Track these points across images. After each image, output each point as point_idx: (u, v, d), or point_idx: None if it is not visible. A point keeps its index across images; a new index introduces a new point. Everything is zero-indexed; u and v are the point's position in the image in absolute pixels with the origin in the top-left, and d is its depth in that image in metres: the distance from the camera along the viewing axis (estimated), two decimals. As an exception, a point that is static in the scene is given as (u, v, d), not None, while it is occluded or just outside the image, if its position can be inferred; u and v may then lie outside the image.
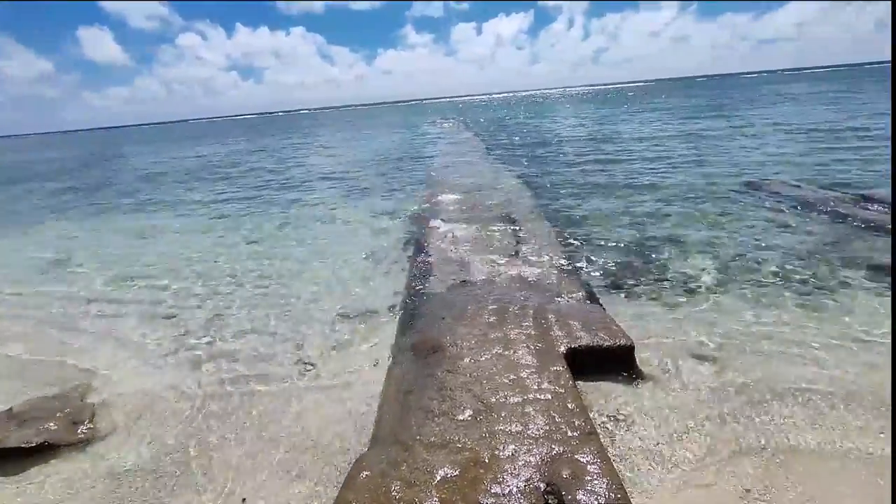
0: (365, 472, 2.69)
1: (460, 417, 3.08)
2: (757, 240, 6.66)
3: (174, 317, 5.63)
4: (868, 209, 7.38)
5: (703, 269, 5.76)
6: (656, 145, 17.27)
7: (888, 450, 2.83)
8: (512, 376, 3.46)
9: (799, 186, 9.26)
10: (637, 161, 14.10)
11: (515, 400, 3.20)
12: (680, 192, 9.75)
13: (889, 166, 10.59)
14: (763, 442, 2.95)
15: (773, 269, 5.63)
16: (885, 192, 8.24)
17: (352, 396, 3.77)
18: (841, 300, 4.80)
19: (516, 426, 2.94)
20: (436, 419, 3.09)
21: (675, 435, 3.05)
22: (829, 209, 7.72)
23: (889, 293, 4.85)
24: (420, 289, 5.38)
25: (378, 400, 3.53)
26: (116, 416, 3.76)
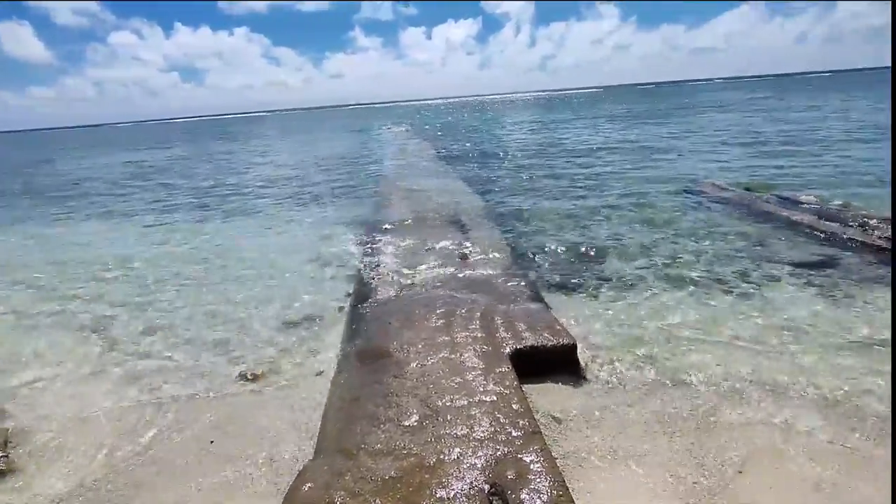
0: (308, 484, 2.61)
1: (406, 423, 3.05)
2: (692, 240, 7.01)
3: (102, 330, 5.29)
4: (792, 210, 7.91)
5: (643, 269, 5.99)
6: (600, 149, 17.88)
7: (823, 436, 3.01)
8: (458, 379, 3.47)
9: (731, 189, 9.82)
10: (582, 165, 14.54)
11: (462, 403, 3.21)
12: (622, 195, 10.13)
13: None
14: (701, 435, 3.08)
15: (706, 266, 5.94)
16: (808, 193, 8.87)
17: (295, 406, 3.66)
18: (767, 294, 5.12)
19: (462, 429, 2.95)
20: (381, 426, 3.04)
21: (616, 430, 3.14)
22: (757, 210, 8.23)
23: (810, 290, 5.21)
24: (367, 294, 5.31)
25: (322, 409, 3.44)
26: (36, 443, 3.49)
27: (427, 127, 40.73)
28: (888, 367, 3.69)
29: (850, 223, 6.89)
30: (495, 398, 3.22)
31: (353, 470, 2.68)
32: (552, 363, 3.89)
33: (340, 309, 5.29)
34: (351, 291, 5.64)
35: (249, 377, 4.13)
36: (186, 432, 3.47)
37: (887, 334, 4.16)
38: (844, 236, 6.53)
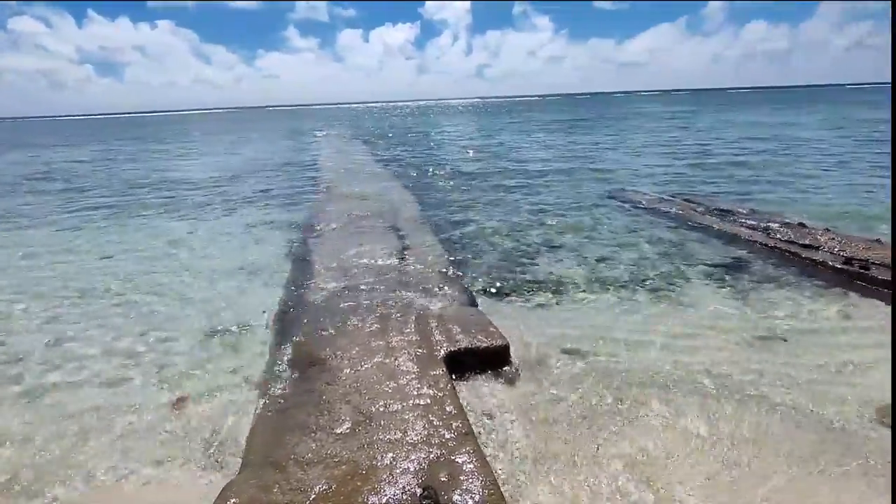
0: (232, 500, 2.50)
1: (339, 430, 2.99)
2: (617, 244, 7.38)
3: (1, 345, 4.81)
4: (707, 215, 8.52)
5: (572, 272, 6.23)
6: (533, 157, 18.45)
7: (745, 430, 3.24)
8: (393, 384, 3.45)
9: (653, 195, 10.43)
10: (516, 172, 14.92)
11: (396, 407, 3.19)
12: (554, 201, 10.50)
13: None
14: (628, 430, 3.23)
15: (630, 269, 6.27)
16: (721, 199, 9.60)
17: (222, 419, 3.49)
18: (685, 295, 5.48)
19: (396, 434, 2.93)
20: (313, 435, 2.97)
21: (546, 428, 3.24)
22: (676, 215, 8.79)
23: (721, 289, 5.63)
24: (300, 300, 5.17)
25: (250, 421, 3.31)
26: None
27: (368, 129, 40.34)
28: (790, 359, 4.05)
29: (757, 227, 7.51)
30: (429, 401, 3.23)
31: (281, 483, 2.59)
32: (486, 364, 3.96)
33: (271, 316, 5.11)
34: (282, 298, 5.46)
35: (171, 390, 3.89)
36: (100, 455, 3.22)
37: (786, 327, 4.57)
38: (751, 239, 7.11)
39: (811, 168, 13.47)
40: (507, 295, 5.60)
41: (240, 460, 2.93)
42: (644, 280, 5.91)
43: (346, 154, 22.00)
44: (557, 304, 5.32)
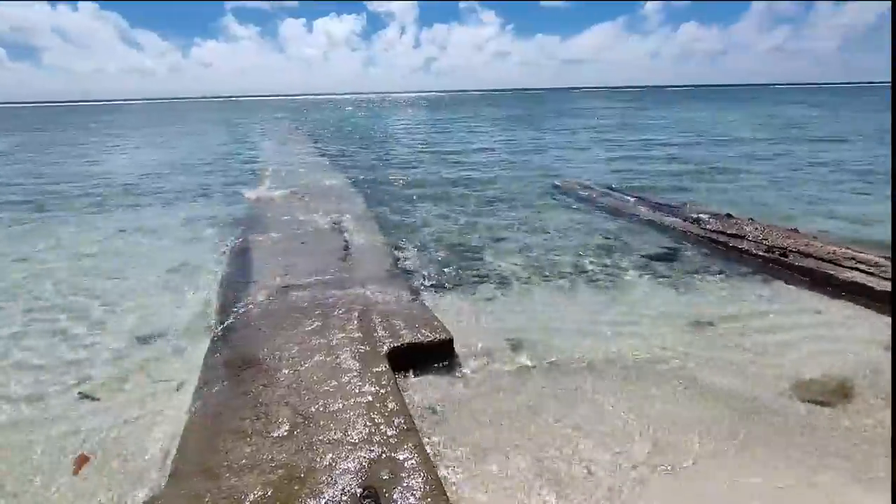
0: (158, 513, 2.36)
1: (276, 433, 2.89)
2: (560, 236, 7.55)
3: None
4: (645, 207, 8.86)
5: (516, 264, 6.32)
6: (479, 150, 18.59)
7: (675, 411, 3.38)
8: (334, 383, 3.37)
9: (595, 188, 10.74)
10: (462, 166, 14.99)
11: (336, 407, 3.12)
12: (499, 195, 10.61)
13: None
14: (567, 418, 3.30)
15: (571, 260, 6.43)
16: (658, 191, 10.01)
17: (149, 429, 3.29)
18: (622, 284, 5.67)
19: (336, 434, 2.86)
20: (248, 439, 2.85)
21: (489, 420, 3.26)
22: (617, 208, 9.09)
23: (657, 279, 5.87)
24: (237, 299, 4.95)
25: (181, 427, 3.13)
26: None
27: (312, 122, 39.30)
28: (717, 342, 4.27)
29: (689, 219, 7.89)
30: (371, 398, 3.18)
31: (213, 491, 2.47)
32: (430, 358, 3.94)
33: (206, 317, 4.88)
34: (218, 298, 5.21)
35: (93, 400, 3.63)
36: (14, 475, 2.95)
37: (714, 312, 4.82)
38: (684, 230, 7.46)
39: (738, 162, 14.30)
40: (453, 289, 5.61)
41: (168, 469, 2.77)
42: (585, 271, 6.08)
43: (288, 145, 21.35)
44: (502, 295, 5.38)
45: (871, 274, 5.27)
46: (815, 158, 14.73)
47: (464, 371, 3.84)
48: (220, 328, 4.39)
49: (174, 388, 3.71)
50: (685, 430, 3.14)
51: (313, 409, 3.08)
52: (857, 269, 5.43)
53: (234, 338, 4.13)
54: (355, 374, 3.46)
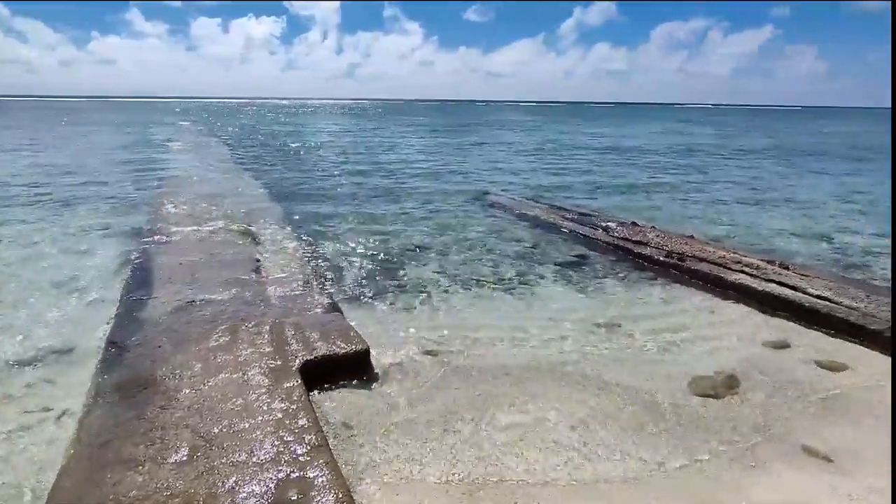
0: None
1: (173, 459, 2.67)
2: (480, 245, 7.70)
3: None
4: (559, 216, 9.25)
5: (437, 273, 6.36)
6: (401, 159, 18.60)
7: (585, 410, 3.50)
8: (240, 401, 3.18)
9: (514, 198, 11.08)
10: (383, 174, 14.92)
11: (243, 426, 2.94)
12: (422, 205, 10.66)
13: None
14: (483, 424, 3.32)
15: (490, 269, 6.58)
16: (572, 201, 10.51)
17: (21, 464, 2.92)
18: (537, 291, 5.87)
19: (241, 455, 2.70)
20: (140, 468, 2.61)
21: (404, 432, 3.21)
22: (533, 217, 9.42)
23: (569, 284, 6.13)
24: (134, 317, 4.56)
25: (61, 460, 2.81)
26: None
27: (227, 126, 37.39)
28: (623, 342, 4.52)
29: (599, 226, 8.34)
30: (280, 415, 3.03)
31: (95, 528, 2.23)
32: (346, 370, 3.84)
33: (97, 337, 4.44)
34: (114, 315, 4.77)
35: (-47, 435, 3.17)
36: None
37: (621, 314, 5.11)
38: (594, 238, 7.89)
39: (645, 175, 15.39)
40: (372, 298, 5.52)
41: (45, 510, 2.47)
42: (503, 279, 6.23)
43: (198, 150, 20.15)
44: (421, 304, 5.37)
45: (754, 276, 5.83)
46: (711, 173, 16.18)
47: (380, 382, 3.77)
48: (113, 348, 4.00)
49: (55, 418, 3.33)
50: (593, 427, 3.28)
51: (216, 431, 2.89)
52: (742, 271, 5.99)
53: (129, 358, 3.78)
54: (264, 390, 3.30)
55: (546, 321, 5.02)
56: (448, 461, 2.95)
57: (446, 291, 5.77)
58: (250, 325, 4.25)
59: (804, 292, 5.29)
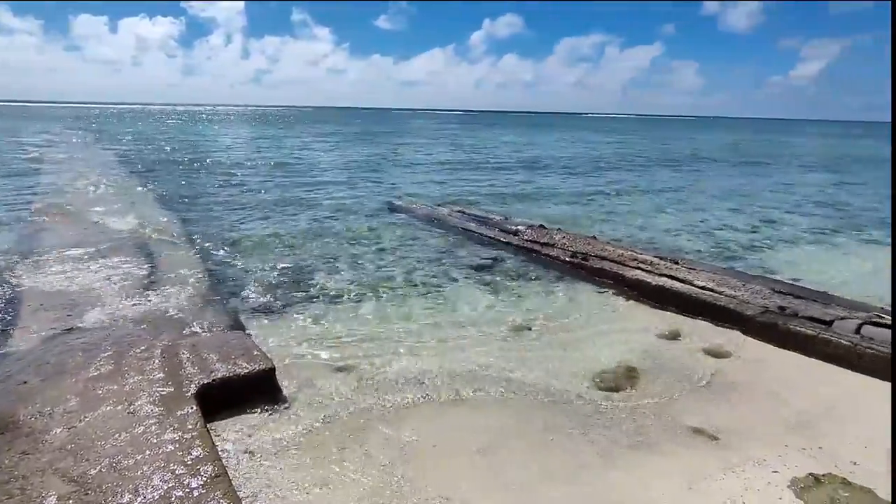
0: None
1: (38, 511, 2.33)
2: (392, 252, 7.62)
3: None
4: (470, 221, 9.40)
5: (348, 283, 6.19)
6: (311, 167, 18.08)
7: (496, 414, 3.52)
8: (125, 436, 2.86)
9: (425, 205, 11.11)
10: (292, 183, 14.41)
11: (127, 464, 2.64)
12: (333, 213, 10.39)
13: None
14: (394, 438, 3.23)
15: (403, 276, 6.53)
16: (482, 206, 10.73)
17: None
18: (450, 297, 5.90)
19: (124, 496, 2.42)
20: (-4, 526, 2.25)
21: (312, 454, 3.04)
22: (445, 223, 9.51)
23: (481, 288, 6.23)
24: (-5, 348, 3.98)
25: None
26: None
27: (118, 135, 34.21)
28: (532, 344, 4.65)
29: (509, 230, 8.59)
30: (172, 448, 2.77)
31: None
32: (250, 392, 3.60)
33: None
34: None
35: None
36: None
37: (531, 316, 5.27)
38: (506, 241, 8.10)
39: (552, 179, 16.13)
40: (279, 312, 5.26)
41: None
42: (415, 285, 6.20)
43: (82, 161, 18.25)
44: (331, 317, 5.19)
45: (649, 272, 6.27)
46: (611, 177, 17.31)
47: (287, 402, 3.57)
48: (-35, 387, 3.45)
49: None
50: (506, 428, 3.33)
51: (94, 472, 2.57)
52: (639, 268, 6.42)
53: (-15, 397, 3.28)
54: (154, 421, 2.99)
55: (459, 326, 5.06)
56: (362, 484, 2.83)
57: (358, 301, 5.63)
58: (139, 350, 3.86)
59: (692, 284, 5.78)
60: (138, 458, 2.69)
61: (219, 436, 3.15)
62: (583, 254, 7.03)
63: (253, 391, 3.60)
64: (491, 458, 3.04)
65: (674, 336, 4.82)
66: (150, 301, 4.97)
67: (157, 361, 3.69)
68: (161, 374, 3.51)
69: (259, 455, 3.00)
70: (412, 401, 3.66)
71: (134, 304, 4.87)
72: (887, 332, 4.49)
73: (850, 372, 4.14)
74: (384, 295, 5.83)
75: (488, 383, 3.93)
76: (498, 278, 6.50)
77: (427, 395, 3.75)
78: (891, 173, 14.11)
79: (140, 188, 12.50)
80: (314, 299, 5.64)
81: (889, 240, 9.24)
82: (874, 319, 4.72)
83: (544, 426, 3.37)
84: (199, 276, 5.90)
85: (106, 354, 3.79)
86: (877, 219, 11.29)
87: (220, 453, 2.86)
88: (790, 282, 6.27)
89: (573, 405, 3.64)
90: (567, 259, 7.02)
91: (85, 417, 3.01)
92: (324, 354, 4.31)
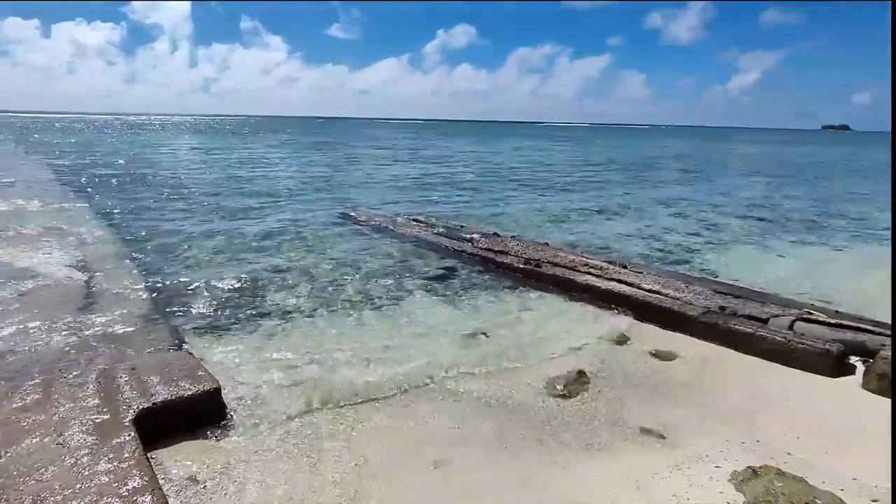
0: None
1: (-49, 559, 2.14)
2: (347, 264, 7.51)
3: None
4: (428, 231, 9.40)
5: (301, 297, 6.05)
6: (265, 178, 17.66)
7: (452, 422, 3.49)
8: (52, 470, 2.67)
9: (381, 215, 11.05)
10: (244, 193, 14.02)
11: (54, 500, 2.47)
12: (285, 225, 10.15)
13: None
14: (350, 461, 3.14)
15: (357, 288, 6.44)
16: (439, 216, 10.75)
17: None
18: (405, 307, 5.86)
19: (50, 537, 2.25)
20: None
21: (261, 482, 2.91)
22: (401, 233, 9.46)
23: (436, 298, 6.22)
24: None
25: None
26: None
27: (51, 145, 32.28)
28: (488, 350, 4.67)
29: (464, 238, 8.64)
30: (107, 479, 2.60)
31: None
32: (194, 415, 3.44)
33: None
34: None
35: None
36: None
37: (486, 323, 5.30)
38: (460, 250, 8.14)
39: (506, 188, 16.37)
40: (228, 330, 5.07)
41: None
42: (370, 297, 6.12)
43: (10, 173, 17.13)
44: (283, 332, 5.05)
45: (599, 276, 6.44)
46: (563, 184, 17.73)
47: (235, 423, 3.44)
48: None
49: None
50: (459, 437, 3.32)
51: (16, 512, 2.38)
52: (589, 272, 6.58)
53: None
54: (86, 452, 2.81)
55: (414, 337, 5.02)
56: (309, 498, 2.76)
57: (311, 315, 5.51)
58: (70, 376, 3.63)
59: (639, 287, 5.97)
60: (67, 493, 2.52)
61: (160, 464, 2.99)
62: (535, 260, 7.15)
63: (198, 413, 3.44)
64: (445, 468, 3.02)
65: (623, 340, 4.96)
66: (86, 322, 4.69)
67: (91, 387, 3.48)
68: (96, 401, 3.31)
69: (204, 481, 2.86)
70: (364, 415, 3.59)
71: (66, 325, 4.58)
72: (818, 328, 4.80)
73: (785, 367, 4.36)
74: (338, 308, 5.72)
75: (441, 394, 3.92)
76: (453, 287, 6.52)
77: (378, 408, 3.70)
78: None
79: (72, 200, 11.82)
80: (264, 315, 5.47)
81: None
82: (805, 316, 5.02)
83: (498, 433, 3.39)
84: (141, 293, 5.64)
85: (33, 382, 3.54)
86: (807, 220, 12.07)
87: (160, 482, 2.72)
88: (730, 282, 6.58)
89: (526, 411, 3.67)
90: (521, 266, 7.11)
91: (6, 453, 2.79)
92: (273, 371, 4.16)
